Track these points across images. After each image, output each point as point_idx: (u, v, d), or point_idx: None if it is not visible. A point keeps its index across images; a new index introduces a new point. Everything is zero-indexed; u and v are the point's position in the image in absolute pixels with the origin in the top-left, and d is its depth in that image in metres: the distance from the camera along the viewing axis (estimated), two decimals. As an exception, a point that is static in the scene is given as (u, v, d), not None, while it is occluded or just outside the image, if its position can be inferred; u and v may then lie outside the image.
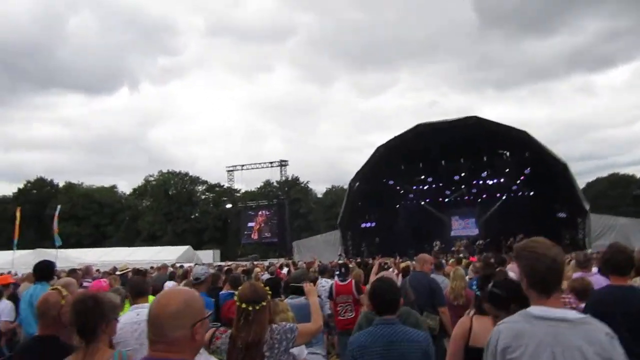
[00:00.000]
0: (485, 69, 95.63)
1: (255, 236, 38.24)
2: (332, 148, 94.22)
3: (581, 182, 50.54)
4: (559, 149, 26.83)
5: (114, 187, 64.02)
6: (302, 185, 61.55)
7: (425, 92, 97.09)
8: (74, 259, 24.22)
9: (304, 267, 10.30)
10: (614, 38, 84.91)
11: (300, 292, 3.85)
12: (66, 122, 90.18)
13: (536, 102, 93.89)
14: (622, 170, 61.41)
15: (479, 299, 3.31)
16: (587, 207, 26.70)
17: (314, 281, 6.63)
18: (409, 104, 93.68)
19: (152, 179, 60.18)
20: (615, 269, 3.61)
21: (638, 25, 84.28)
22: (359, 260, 19.02)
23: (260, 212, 37.42)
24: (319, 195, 64.40)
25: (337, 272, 6.97)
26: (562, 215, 29.76)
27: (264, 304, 2.88)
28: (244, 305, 2.84)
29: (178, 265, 19.29)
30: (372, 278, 7.37)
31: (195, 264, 20.71)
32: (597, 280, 5.31)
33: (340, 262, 10.10)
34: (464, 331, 3.26)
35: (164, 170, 60.12)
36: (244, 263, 25.04)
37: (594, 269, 6.08)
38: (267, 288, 3.02)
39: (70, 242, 39.96)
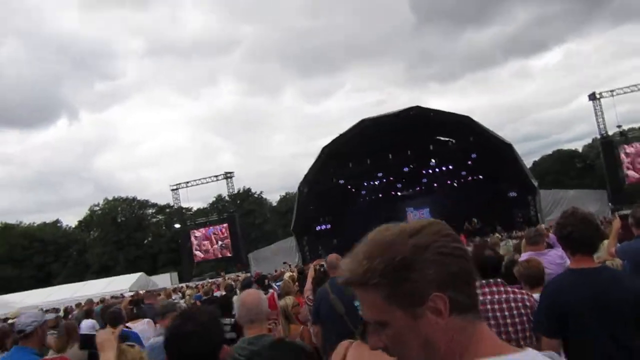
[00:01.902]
0: (427, 65, 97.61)
1: (210, 253, 36.85)
2: (285, 156, 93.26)
3: (528, 162, 51.82)
4: (504, 133, 26.90)
5: (56, 222, 60.70)
6: (256, 196, 60.29)
7: (371, 92, 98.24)
8: (13, 303, 22.23)
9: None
10: (544, 23, 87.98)
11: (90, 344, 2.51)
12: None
13: (478, 90, 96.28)
14: (565, 147, 63.17)
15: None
16: (536, 183, 26.85)
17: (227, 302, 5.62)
18: (356, 105, 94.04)
19: (97, 208, 57.49)
20: (580, 246, 2.59)
21: (564, 10, 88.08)
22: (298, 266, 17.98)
23: (210, 228, 36.06)
24: (275, 204, 63.34)
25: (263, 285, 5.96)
26: (512, 194, 29.88)
27: None
28: None
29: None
30: (308, 287, 6.44)
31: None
32: (552, 259, 4.53)
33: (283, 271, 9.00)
34: None
35: (109, 198, 57.65)
36: (195, 284, 23.78)
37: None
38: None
39: (10, 287, 37.43)
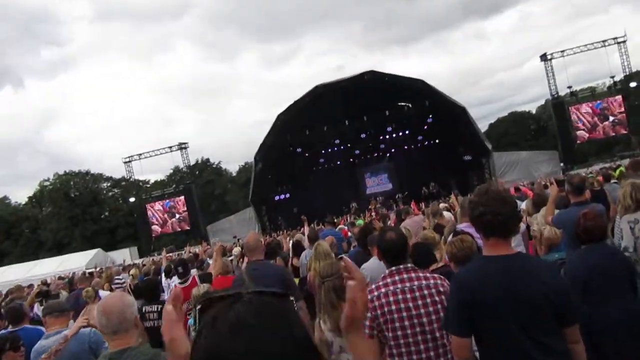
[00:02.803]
0: (388, 27, 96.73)
1: (168, 227, 36.07)
2: (245, 125, 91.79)
3: (484, 125, 52.61)
4: (462, 96, 27.05)
5: (5, 198, 58.19)
6: (214, 166, 59.25)
7: (331, 56, 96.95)
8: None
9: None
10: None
11: None
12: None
13: (437, 53, 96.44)
14: (519, 108, 64.14)
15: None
16: (490, 146, 27.16)
17: (154, 286, 5.25)
18: (317, 70, 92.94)
19: (47, 183, 55.33)
20: (494, 229, 2.23)
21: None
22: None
23: (167, 201, 35.20)
24: (234, 174, 62.49)
25: (179, 272, 5.58)
26: (467, 157, 30.16)
27: None
28: None
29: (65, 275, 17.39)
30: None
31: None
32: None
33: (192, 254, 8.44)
34: None
35: (61, 172, 55.59)
36: (151, 260, 23.23)
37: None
38: None
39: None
